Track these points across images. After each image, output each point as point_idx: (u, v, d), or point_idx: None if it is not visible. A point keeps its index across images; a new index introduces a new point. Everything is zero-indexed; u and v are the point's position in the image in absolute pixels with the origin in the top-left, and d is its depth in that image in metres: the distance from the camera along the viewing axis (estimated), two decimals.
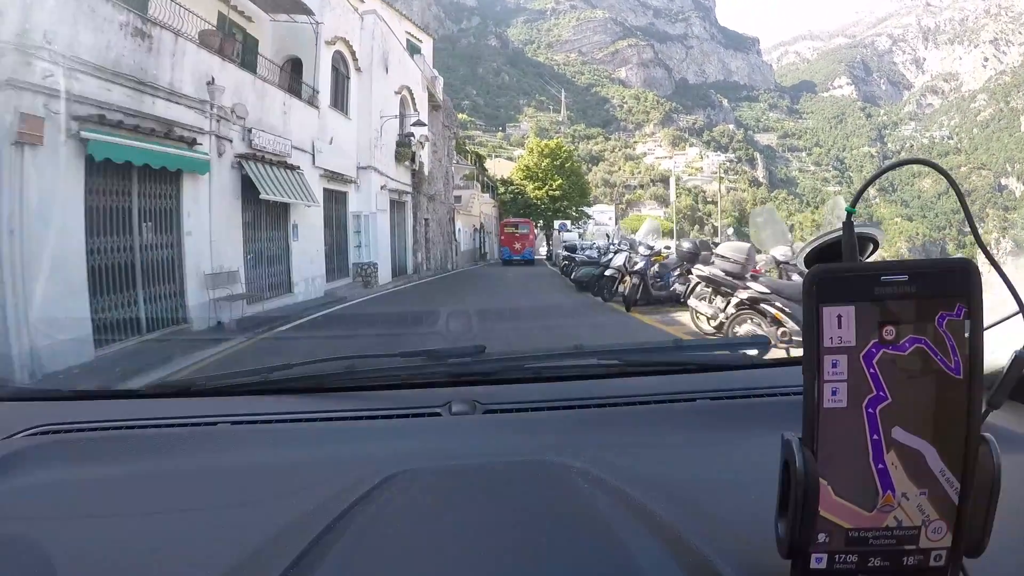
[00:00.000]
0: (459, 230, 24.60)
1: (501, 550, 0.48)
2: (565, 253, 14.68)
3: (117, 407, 0.93)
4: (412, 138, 14.69)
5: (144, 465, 0.71)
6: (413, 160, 14.82)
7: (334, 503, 0.55)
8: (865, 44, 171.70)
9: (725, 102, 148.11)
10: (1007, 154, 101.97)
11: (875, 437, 0.36)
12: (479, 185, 32.44)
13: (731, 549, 0.46)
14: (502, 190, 38.30)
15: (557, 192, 36.39)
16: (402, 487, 0.59)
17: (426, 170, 16.98)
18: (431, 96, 18.63)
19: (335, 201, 11.39)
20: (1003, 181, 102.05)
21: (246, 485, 0.65)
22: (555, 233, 28.21)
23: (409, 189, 15.50)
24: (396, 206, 14.67)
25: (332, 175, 10.84)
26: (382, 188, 12.95)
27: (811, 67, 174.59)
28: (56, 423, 0.81)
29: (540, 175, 37.13)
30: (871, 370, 0.36)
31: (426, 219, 17.33)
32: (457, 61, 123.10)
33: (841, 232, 0.43)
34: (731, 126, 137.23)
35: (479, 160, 36.00)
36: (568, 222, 26.34)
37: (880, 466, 0.36)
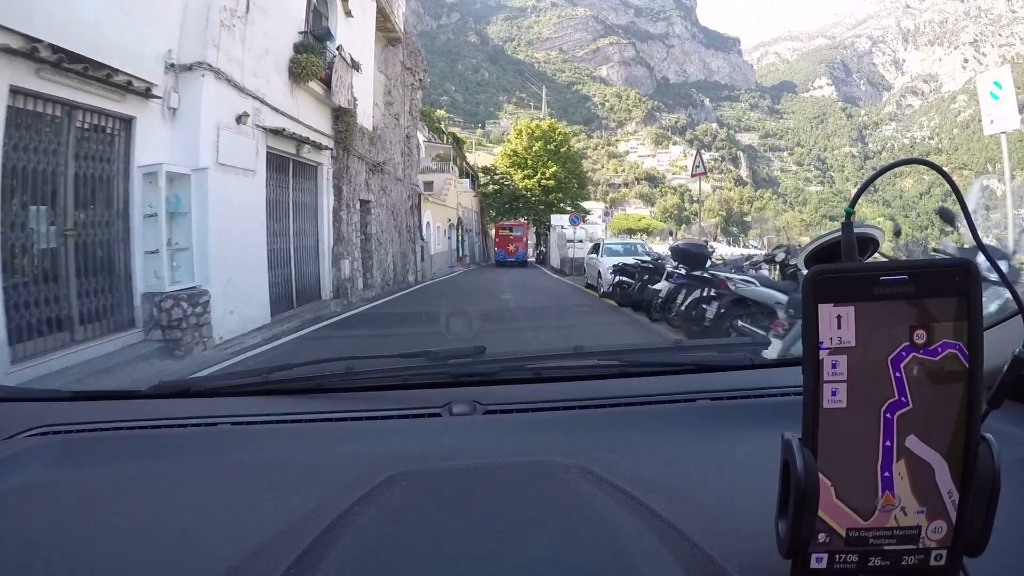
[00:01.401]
0: (428, 224, 17.69)
1: (501, 550, 0.48)
2: (617, 262, 8.13)
3: (117, 407, 0.93)
4: (331, 44, 7.81)
5: (144, 465, 0.71)
6: (331, 85, 7.78)
7: (335, 503, 0.55)
8: (845, 45, 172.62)
9: (707, 101, 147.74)
10: (988, 154, 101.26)
11: (888, 443, 0.35)
12: (456, 170, 25.67)
13: (731, 549, 0.46)
14: (484, 180, 31.47)
15: (551, 182, 29.70)
16: (403, 487, 0.59)
17: (368, 120, 10.11)
18: (385, 18, 11.88)
19: (86, 137, 4.46)
20: (984, 182, 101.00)
21: (246, 485, 0.65)
22: (555, 230, 21.52)
23: (327, 142, 8.38)
24: (294, 169, 7.60)
25: (60, 62, 3.94)
26: (240, 120, 5.94)
27: (791, 68, 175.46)
28: (56, 423, 0.81)
29: (530, 162, 30.36)
30: (897, 374, 0.35)
31: (364, 201, 10.16)
32: (436, 57, 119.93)
33: (841, 233, 0.42)
34: (714, 125, 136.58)
35: (457, 142, 29.26)
36: (576, 216, 19.99)
37: (886, 474, 0.36)
